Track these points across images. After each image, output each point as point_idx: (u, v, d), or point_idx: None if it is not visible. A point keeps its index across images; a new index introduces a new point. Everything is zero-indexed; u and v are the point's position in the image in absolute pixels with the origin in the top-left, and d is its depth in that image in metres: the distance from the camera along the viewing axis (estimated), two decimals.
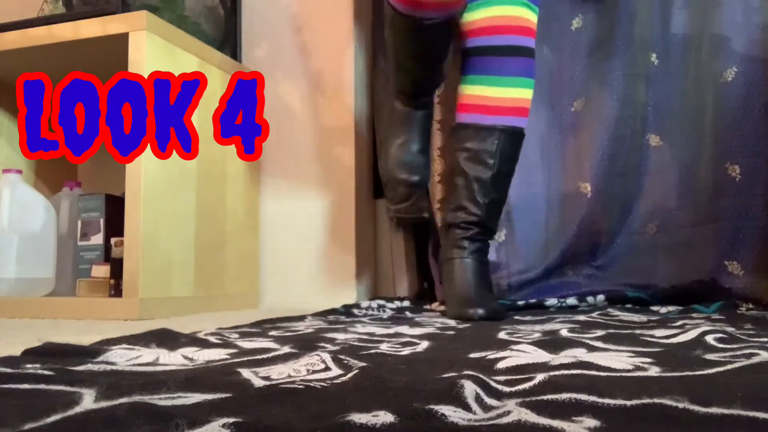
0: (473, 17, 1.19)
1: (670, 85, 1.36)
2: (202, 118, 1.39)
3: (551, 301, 1.29)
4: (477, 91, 1.20)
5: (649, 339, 0.70)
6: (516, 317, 1.09)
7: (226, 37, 1.62)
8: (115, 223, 1.37)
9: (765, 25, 1.29)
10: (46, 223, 1.41)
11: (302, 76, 1.63)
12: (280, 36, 1.66)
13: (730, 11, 1.31)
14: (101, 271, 1.38)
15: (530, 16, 1.19)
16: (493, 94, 1.19)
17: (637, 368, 0.51)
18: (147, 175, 1.21)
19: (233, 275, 1.49)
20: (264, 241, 1.62)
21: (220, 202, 1.46)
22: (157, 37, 1.25)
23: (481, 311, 1.08)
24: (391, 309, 1.27)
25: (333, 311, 1.20)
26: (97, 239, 1.44)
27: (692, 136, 1.34)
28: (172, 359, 0.59)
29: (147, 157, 1.21)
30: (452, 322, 1.00)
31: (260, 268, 1.61)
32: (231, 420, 0.35)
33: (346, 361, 0.53)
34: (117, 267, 1.30)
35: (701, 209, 1.31)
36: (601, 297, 1.28)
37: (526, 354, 0.58)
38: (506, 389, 0.43)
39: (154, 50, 1.24)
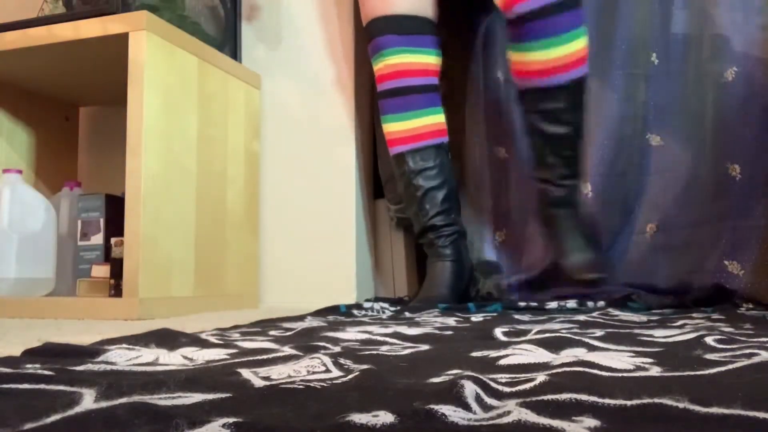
0: None
1: (670, 84, 1.36)
2: (203, 119, 1.39)
3: (552, 305, 1.29)
4: (537, 56, 1.21)
5: (649, 339, 0.70)
6: (516, 317, 1.09)
7: (227, 38, 1.62)
8: (115, 223, 1.37)
9: (765, 25, 1.29)
10: (46, 223, 1.41)
11: (302, 76, 1.63)
12: (280, 36, 1.66)
13: (729, 11, 1.31)
14: (101, 271, 1.39)
15: None
16: (554, 56, 1.20)
17: (638, 368, 0.51)
18: (147, 175, 1.21)
19: (233, 275, 1.49)
20: (264, 241, 1.62)
21: (220, 202, 1.46)
22: (157, 37, 1.25)
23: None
24: (392, 310, 1.27)
25: (333, 310, 1.20)
26: (97, 239, 1.44)
27: (693, 136, 1.34)
28: (172, 359, 0.59)
29: (148, 156, 1.21)
30: (452, 322, 1.00)
31: (260, 268, 1.61)
32: (231, 420, 0.35)
33: (346, 366, 0.53)
34: (117, 267, 1.30)
35: (702, 209, 1.31)
36: (601, 303, 1.27)
37: (527, 353, 0.58)
38: (506, 389, 0.43)
39: (154, 50, 1.24)
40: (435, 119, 1.37)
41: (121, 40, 1.24)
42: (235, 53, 1.63)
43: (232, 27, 1.64)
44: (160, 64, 1.26)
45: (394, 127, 1.37)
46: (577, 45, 1.21)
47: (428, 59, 1.35)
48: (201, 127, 1.39)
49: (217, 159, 1.45)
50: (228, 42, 1.62)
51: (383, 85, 1.36)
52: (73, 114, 1.78)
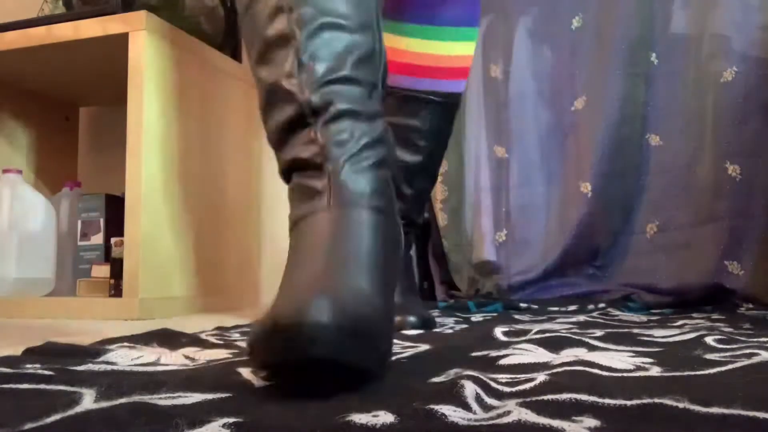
0: None
1: (670, 84, 1.36)
2: (203, 119, 1.39)
3: (552, 309, 1.29)
4: (407, 45, 0.93)
5: (649, 339, 0.70)
6: (516, 317, 1.09)
7: (226, 37, 1.62)
8: (115, 223, 1.37)
9: (765, 25, 1.29)
10: (46, 223, 1.41)
11: None
12: None
13: (729, 11, 1.31)
14: (101, 271, 1.38)
15: None
16: (428, 50, 0.93)
17: (638, 368, 0.51)
18: (147, 175, 1.21)
19: (233, 275, 1.49)
20: (264, 241, 1.62)
21: (220, 202, 1.46)
22: (157, 37, 1.25)
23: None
24: None
25: None
26: (97, 239, 1.43)
27: (692, 136, 1.34)
28: (173, 359, 0.59)
29: (148, 156, 1.21)
30: (451, 322, 1.00)
31: (260, 268, 1.61)
32: (231, 420, 0.35)
33: None
34: (117, 267, 1.29)
35: (701, 209, 1.31)
36: (602, 304, 1.27)
37: (527, 353, 0.58)
38: (506, 389, 0.43)
39: (153, 51, 1.24)
40: None
41: (121, 40, 1.24)
42: (235, 53, 1.63)
43: (232, 26, 1.64)
44: (160, 65, 1.26)
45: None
46: (467, 48, 0.97)
47: None
48: (201, 127, 1.38)
49: (217, 159, 1.45)
50: (228, 41, 1.62)
51: None
52: (73, 114, 1.78)
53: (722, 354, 0.58)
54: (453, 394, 0.39)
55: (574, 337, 0.68)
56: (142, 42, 1.22)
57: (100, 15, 1.28)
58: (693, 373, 0.48)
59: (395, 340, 0.71)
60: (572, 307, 1.25)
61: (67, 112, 1.75)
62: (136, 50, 1.22)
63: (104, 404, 0.39)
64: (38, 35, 1.30)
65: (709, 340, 0.67)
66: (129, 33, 1.23)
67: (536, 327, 0.82)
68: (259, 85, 0.61)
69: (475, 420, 0.35)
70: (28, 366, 0.52)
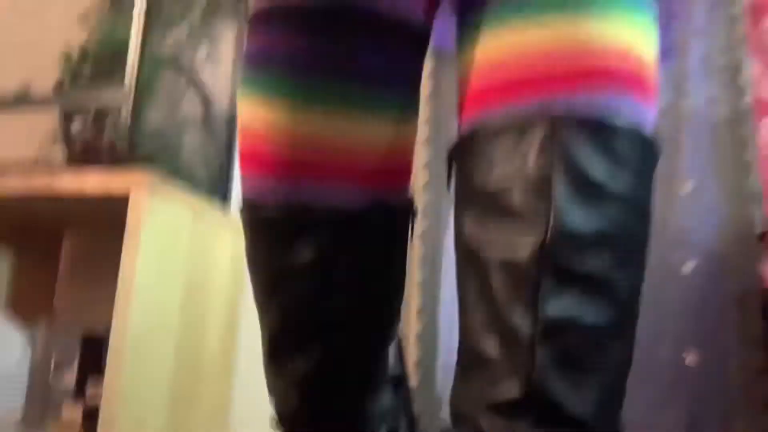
0: None
1: None
2: (189, 269, 1.43)
3: None
4: (500, 43, 0.55)
5: None
6: None
7: (219, 183, 1.69)
8: (89, 363, 1.38)
9: (721, 222, 1.40)
10: (19, 358, 1.41)
11: None
12: None
13: (690, 206, 1.42)
14: (72, 411, 1.38)
15: None
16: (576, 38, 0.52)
17: None
18: (133, 326, 1.23)
19: (205, 427, 1.49)
20: (237, 395, 1.62)
21: (197, 352, 1.47)
22: (158, 195, 1.30)
23: None
24: None
25: None
26: (71, 378, 1.44)
27: (653, 322, 1.42)
28: None
29: (134, 309, 1.24)
30: None
31: (231, 417, 1.61)
32: None
33: None
34: (89, 411, 1.30)
35: (659, 393, 1.37)
36: None
37: None
38: None
39: (153, 208, 1.29)
40: None
41: (122, 193, 1.28)
42: (225, 197, 1.69)
43: (225, 173, 1.71)
44: (157, 220, 1.30)
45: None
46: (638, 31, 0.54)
47: None
48: (187, 278, 1.42)
49: (199, 308, 1.48)
50: (219, 187, 1.69)
51: None
52: (57, 240, 1.80)
53: None
54: None
55: None
56: (143, 201, 1.27)
57: (102, 165, 1.33)
58: None
59: None
60: None
61: (50, 237, 1.78)
62: (137, 208, 1.27)
63: None
64: (39, 186, 1.34)
65: None
66: (130, 188, 1.28)
67: None
68: None
69: None
70: None
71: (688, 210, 1.42)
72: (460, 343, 0.57)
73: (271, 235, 0.62)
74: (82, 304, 1.72)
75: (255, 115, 0.61)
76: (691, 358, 1.36)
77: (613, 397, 0.57)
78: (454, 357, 0.61)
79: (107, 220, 1.38)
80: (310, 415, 0.62)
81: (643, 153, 0.53)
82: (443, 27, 0.64)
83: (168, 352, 1.36)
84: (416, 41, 0.63)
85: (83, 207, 1.40)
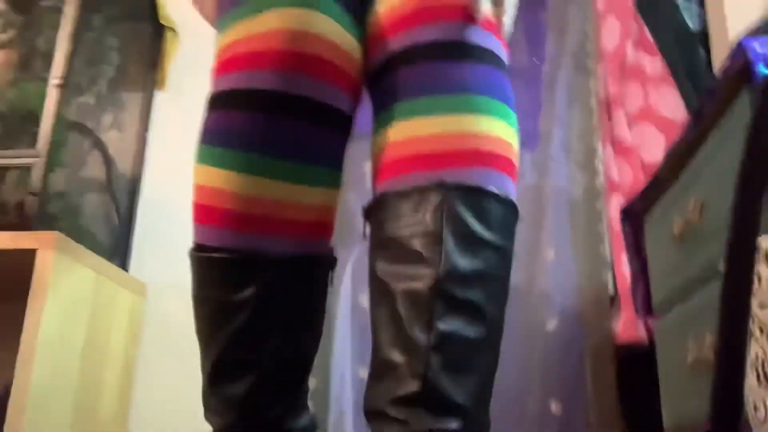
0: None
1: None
2: (90, 328, 1.46)
3: None
4: (405, 130, 0.74)
5: None
6: None
7: (118, 244, 1.73)
8: None
9: (579, 286, 1.61)
10: None
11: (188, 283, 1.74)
12: (168, 245, 1.78)
13: (552, 272, 1.62)
14: None
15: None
16: (433, 130, 0.73)
17: None
18: (34, 385, 1.26)
19: None
20: None
21: (93, 409, 1.49)
22: (64, 256, 1.35)
23: None
24: None
25: None
26: None
27: (522, 374, 1.59)
28: None
29: (36, 368, 1.26)
30: None
31: None
32: None
33: None
34: None
35: None
36: None
37: None
38: None
39: (57, 267, 1.33)
40: None
41: (27, 253, 1.32)
42: (124, 259, 1.73)
43: (125, 234, 1.76)
44: (62, 280, 1.35)
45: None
46: (492, 125, 0.73)
47: None
48: (88, 335, 1.46)
49: (97, 367, 1.51)
50: (119, 248, 1.73)
51: None
52: None
53: None
54: None
55: None
56: (49, 261, 1.31)
57: (9, 228, 1.36)
58: None
59: None
60: None
61: None
62: (42, 268, 1.31)
63: None
64: None
65: None
66: (37, 250, 1.32)
67: None
68: None
69: None
70: None
71: (550, 275, 1.62)
72: (373, 356, 0.72)
73: (219, 275, 0.75)
74: None
75: (210, 178, 0.74)
76: (555, 407, 1.53)
77: (485, 390, 0.71)
78: (347, 413, 0.80)
79: (11, 279, 1.41)
80: (245, 429, 0.74)
81: (508, 213, 0.73)
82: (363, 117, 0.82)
83: (66, 411, 1.38)
84: (343, 126, 0.79)
85: None
